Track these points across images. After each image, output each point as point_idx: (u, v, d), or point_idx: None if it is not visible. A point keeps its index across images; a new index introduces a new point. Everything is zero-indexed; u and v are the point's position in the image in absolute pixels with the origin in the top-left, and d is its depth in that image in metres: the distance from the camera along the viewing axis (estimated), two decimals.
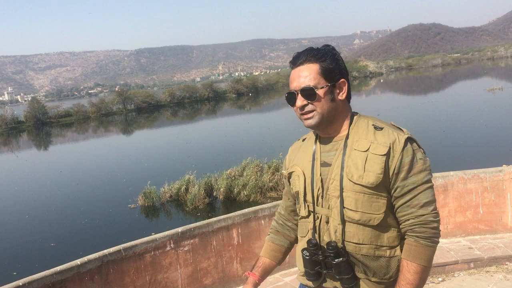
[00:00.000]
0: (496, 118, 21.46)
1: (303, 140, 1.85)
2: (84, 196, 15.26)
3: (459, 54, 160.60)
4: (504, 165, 4.94)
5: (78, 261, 3.44)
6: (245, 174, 12.93)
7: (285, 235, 1.93)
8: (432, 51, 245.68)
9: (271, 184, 12.34)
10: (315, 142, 1.75)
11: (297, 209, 1.80)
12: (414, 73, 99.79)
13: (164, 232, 3.94)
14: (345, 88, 1.69)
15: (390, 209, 1.61)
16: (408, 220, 1.58)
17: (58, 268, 3.35)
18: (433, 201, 1.57)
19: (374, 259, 1.61)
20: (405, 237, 1.60)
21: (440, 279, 4.27)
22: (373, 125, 1.64)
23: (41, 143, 40.01)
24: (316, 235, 1.69)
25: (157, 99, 65.55)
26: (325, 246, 1.63)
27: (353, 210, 1.59)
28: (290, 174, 1.80)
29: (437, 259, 4.44)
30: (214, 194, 12.53)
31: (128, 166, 20.37)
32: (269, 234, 1.99)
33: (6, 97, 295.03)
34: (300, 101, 1.66)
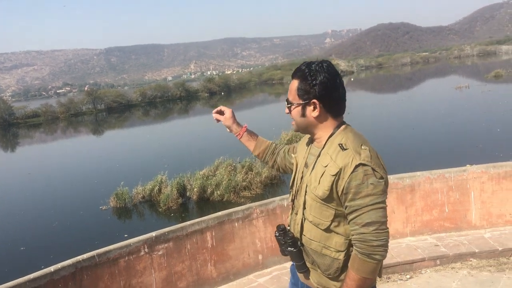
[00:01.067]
0: (463, 116, 22.08)
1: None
2: (54, 198, 14.99)
3: (427, 53, 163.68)
4: (468, 165, 5.13)
5: (51, 268, 3.43)
6: (218, 173, 12.93)
7: (274, 154, 2.33)
8: (401, 50, 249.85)
9: (244, 183, 12.38)
10: (312, 142, 2.00)
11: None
12: (384, 71, 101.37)
13: (138, 237, 3.95)
14: (318, 108, 1.86)
15: (340, 218, 1.83)
16: (353, 235, 1.78)
17: (31, 275, 3.33)
18: (376, 222, 1.73)
19: (320, 255, 1.88)
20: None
21: (408, 276, 4.42)
22: (339, 144, 1.81)
23: (8, 144, 38.97)
24: (288, 221, 2.06)
25: (128, 99, 64.61)
26: (287, 235, 1.94)
27: (309, 212, 1.88)
28: (292, 163, 2.13)
29: (405, 256, 4.60)
30: (188, 194, 12.49)
31: (99, 167, 20.08)
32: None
33: None
34: (286, 109, 1.97)
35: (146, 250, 3.91)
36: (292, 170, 2.16)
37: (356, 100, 42.02)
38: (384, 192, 1.76)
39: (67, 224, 11.83)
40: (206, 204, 11.99)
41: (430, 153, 14.54)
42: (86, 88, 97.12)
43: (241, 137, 2.39)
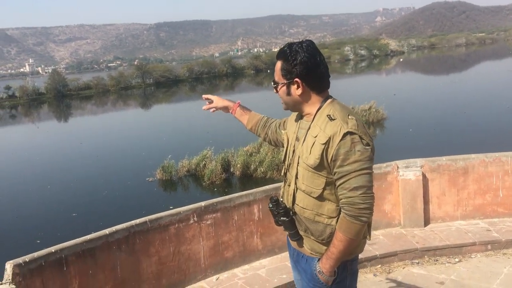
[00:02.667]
0: None
1: None
2: (104, 168, 15.54)
3: (484, 34, 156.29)
4: None
5: (106, 231, 3.58)
6: (261, 151, 13.00)
7: (266, 127, 2.46)
8: (456, 30, 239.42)
9: None
10: (301, 117, 2.11)
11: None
12: (437, 52, 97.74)
13: (188, 206, 4.05)
14: (302, 86, 1.98)
15: (331, 186, 1.95)
16: (341, 199, 1.91)
17: (88, 236, 3.50)
18: (363, 186, 1.86)
19: (313, 222, 2.00)
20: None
21: (456, 259, 4.33)
22: (328, 115, 1.93)
23: (61, 115, 40.56)
24: (281, 193, 2.18)
25: (175, 74, 65.43)
26: (279, 205, 2.06)
27: (301, 182, 2.00)
28: (283, 138, 2.25)
29: (455, 239, 4.49)
30: (231, 170, 12.66)
31: (146, 140, 20.61)
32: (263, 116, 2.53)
33: (27, 69, 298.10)
34: (274, 89, 2.08)
35: (195, 219, 4.01)
36: (282, 144, 2.33)
37: (406, 81, 40.83)
38: (371, 158, 1.89)
39: (116, 193, 12.27)
40: (249, 180, 12.11)
41: (484, 137, 14.03)
42: (135, 63, 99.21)
43: (235, 113, 2.53)
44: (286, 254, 4.46)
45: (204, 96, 2.60)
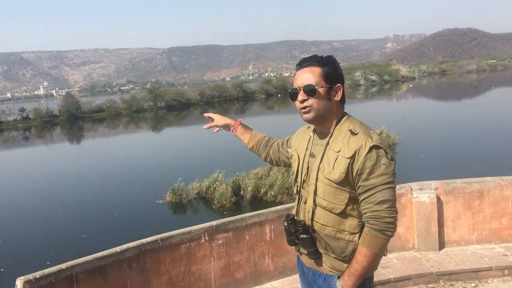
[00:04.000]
0: None
1: (308, 127, 2.20)
2: (114, 190, 15.56)
3: (495, 60, 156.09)
4: None
5: (117, 249, 3.57)
6: (271, 174, 12.95)
7: (268, 147, 2.45)
8: (467, 57, 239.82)
9: None
10: (313, 133, 2.10)
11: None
12: (448, 78, 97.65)
13: (199, 225, 4.03)
14: (340, 92, 2.00)
15: (354, 202, 1.93)
16: (366, 213, 1.89)
17: (99, 254, 3.48)
18: (389, 200, 1.87)
19: (334, 239, 1.96)
20: (365, 226, 1.92)
21: (473, 284, 4.23)
22: (349, 130, 1.94)
23: (73, 137, 40.93)
24: (295, 212, 2.12)
25: (187, 97, 66.02)
26: (298, 223, 2.02)
27: (322, 198, 1.96)
28: (291, 155, 2.21)
29: (471, 264, 4.40)
30: (241, 193, 12.60)
31: (157, 162, 20.65)
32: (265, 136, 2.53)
33: (41, 91, 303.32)
34: (301, 96, 1.98)
35: (207, 238, 3.98)
36: (285, 163, 2.39)
37: (416, 107, 40.78)
38: (395, 173, 1.90)
39: (126, 216, 12.24)
40: (259, 204, 12.03)
41: (497, 162, 13.86)
42: (148, 86, 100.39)
43: (236, 131, 2.50)
44: (297, 276, 4.39)
45: (206, 114, 2.59)
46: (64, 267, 3.29)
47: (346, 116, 2.03)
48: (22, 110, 53.50)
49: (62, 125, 50.00)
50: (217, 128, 2.56)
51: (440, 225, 4.75)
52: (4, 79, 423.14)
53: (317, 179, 1.97)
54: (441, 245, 4.78)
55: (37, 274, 3.17)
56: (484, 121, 25.39)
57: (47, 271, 3.23)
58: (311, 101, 1.96)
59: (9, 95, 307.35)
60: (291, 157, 2.22)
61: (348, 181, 1.89)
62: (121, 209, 12.85)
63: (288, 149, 2.31)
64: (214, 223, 4.06)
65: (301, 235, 2.00)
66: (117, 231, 10.99)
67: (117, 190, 15.49)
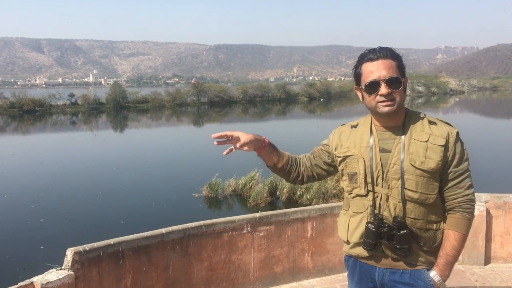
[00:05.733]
0: None
1: (352, 126, 2.13)
2: (154, 180, 15.89)
3: None
4: None
5: (163, 230, 3.64)
6: None
7: (297, 164, 2.24)
8: None
9: (334, 191, 12.19)
10: (371, 130, 2.03)
11: (350, 188, 2.06)
12: (499, 95, 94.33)
13: (243, 215, 4.07)
14: (406, 84, 2.00)
15: (440, 190, 1.95)
16: (457, 198, 1.94)
17: (145, 234, 3.56)
18: (473, 185, 1.96)
19: (425, 231, 1.95)
20: (450, 212, 1.96)
21: None
22: (428, 120, 1.98)
23: (118, 125, 42.04)
24: (376, 211, 1.98)
25: (230, 95, 66.59)
26: (391, 220, 1.93)
27: (413, 191, 1.91)
28: (346, 156, 2.06)
29: (501, 282, 4.23)
30: (277, 194, 12.60)
31: (197, 156, 20.94)
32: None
33: (91, 79, 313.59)
34: (385, 89, 1.90)
35: (249, 229, 4.01)
36: (318, 176, 2.25)
37: (463, 121, 39.58)
38: None
39: (163, 206, 12.46)
40: (293, 206, 11.95)
41: None
42: (192, 81, 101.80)
43: (264, 149, 2.17)
44: (335, 276, 4.37)
45: (215, 135, 2.16)
46: (112, 243, 3.39)
47: (409, 110, 2.04)
48: (72, 95, 55.44)
49: (107, 113, 51.44)
50: (245, 148, 2.14)
51: (488, 239, 4.60)
52: (56, 64, 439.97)
53: (403, 172, 1.91)
54: (487, 260, 4.63)
55: (87, 247, 3.28)
56: None
57: (96, 244, 3.34)
58: (394, 94, 1.92)
59: (60, 80, 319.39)
60: (344, 158, 2.07)
61: (439, 169, 1.92)
62: (159, 199, 13.10)
63: (333, 151, 2.16)
64: (257, 215, 4.08)
65: (401, 231, 1.90)
66: (153, 220, 11.18)
67: (156, 180, 15.80)
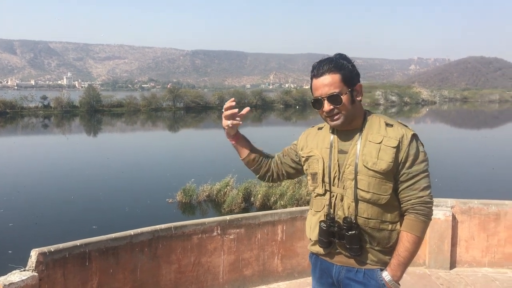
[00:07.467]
0: None
1: (319, 128, 2.19)
2: (127, 184, 15.69)
3: None
4: None
5: (131, 232, 3.60)
6: (283, 184, 12.93)
7: (268, 160, 2.31)
8: (490, 86, 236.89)
9: (308, 198, 12.27)
10: (332, 133, 2.08)
11: (312, 188, 2.14)
12: (469, 106, 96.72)
13: (213, 218, 4.06)
14: (361, 90, 2.03)
15: (395, 191, 1.97)
16: (410, 200, 1.96)
17: (113, 235, 3.52)
18: (429, 187, 1.97)
19: (378, 231, 1.98)
20: (406, 214, 1.98)
21: None
22: (385, 122, 2.00)
23: (91, 129, 41.41)
24: (331, 210, 2.04)
25: (206, 101, 66.38)
26: (341, 220, 1.98)
27: (365, 191, 1.95)
28: (309, 157, 2.13)
29: (481, 286, 4.34)
30: (251, 200, 12.61)
31: (172, 161, 20.79)
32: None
33: (65, 82, 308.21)
34: (327, 106, 1.97)
35: (219, 231, 4.00)
36: (288, 175, 2.32)
37: (435, 131, 40.40)
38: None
39: (136, 211, 12.28)
40: None
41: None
42: (168, 86, 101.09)
43: (238, 139, 2.26)
44: (305, 280, 4.39)
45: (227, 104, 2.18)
46: (78, 244, 3.34)
47: (369, 113, 2.08)
48: (44, 98, 54.36)
49: (81, 116, 50.62)
50: (231, 124, 2.17)
51: (453, 244, 4.71)
52: (29, 66, 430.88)
53: (356, 173, 1.96)
54: (452, 265, 4.73)
55: (52, 248, 3.21)
56: (504, 151, 25.04)
57: (61, 245, 3.27)
58: (338, 109, 1.96)
59: (32, 82, 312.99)
60: (307, 158, 2.14)
61: (392, 170, 1.93)
62: (132, 204, 12.92)
63: (299, 152, 2.23)
64: (227, 217, 4.08)
65: (349, 232, 1.95)
66: (126, 225, 10.99)
67: (130, 185, 15.60)
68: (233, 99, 2.22)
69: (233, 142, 2.28)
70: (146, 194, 14.03)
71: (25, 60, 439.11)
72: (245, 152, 2.29)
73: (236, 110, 2.18)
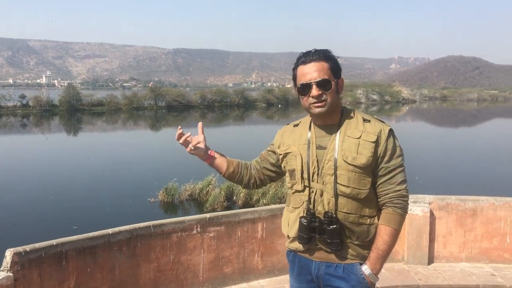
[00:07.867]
0: None
1: (295, 125, 2.21)
2: (108, 184, 15.53)
3: (496, 91, 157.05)
4: None
5: (109, 231, 3.56)
6: None
7: (247, 168, 2.33)
8: (468, 85, 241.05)
9: None
10: (309, 128, 2.10)
11: (290, 185, 2.14)
12: (448, 104, 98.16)
13: (193, 216, 4.04)
14: (343, 86, 2.08)
15: (373, 185, 2.01)
16: (388, 194, 1.99)
17: (90, 234, 3.48)
18: (406, 181, 2.02)
19: (358, 225, 2.00)
20: (383, 207, 2.01)
21: None
22: (362, 118, 2.04)
23: (71, 128, 40.86)
24: (311, 206, 2.04)
25: (188, 99, 65.99)
26: (322, 215, 1.99)
27: (345, 186, 1.97)
28: (286, 154, 2.14)
29: (459, 280, 4.41)
30: (234, 198, 12.62)
31: (153, 161, 20.60)
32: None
33: (44, 80, 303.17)
34: (315, 91, 1.98)
35: (199, 230, 3.98)
36: (270, 178, 2.34)
37: (415, 129, 40.93)
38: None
39: (117, 210, 12.17)
40: None
41: (492, 183, 14.00)
42: (150, 85, 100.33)
43: (212, 158, 2.30)
44: (285, 277, 4.40)
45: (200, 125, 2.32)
46: (54, 243, 3.29)
47: (346, 108, 2.11)
48: (23, 96, 53.45)
49: (61, 116, 49.90)
50: (192, 147, 2.27)
51: (431, 239, 4.77)
52: (7, 64, 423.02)
53: (335, 168, 1.98)
54: (430, 260, 4.80)
55: (27, 247, 3.16)
56: (481, 149, 25.50)
57: (37, 245, 3.22)
58: (325, 95, 1.99)
59: (11, 81, 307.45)
60: (285, 155, 2.15)
61: (371, 164, 1.97)
62: (113, 203, 12.80)
63: (276, 150, 2.24)
64: (207, 215, 4.07)
65: (330, 226, 1.96)
66: (106, 225, 10.86)
67: (111, 185, 15.45)
68: (179, 127, 2.26)
69: (208, 162, 2.31)
70: (127, 194, 13.92)
71: (3, 59, 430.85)
72: (223, 168, 2.30)
73: (188, 134, 2.25)
